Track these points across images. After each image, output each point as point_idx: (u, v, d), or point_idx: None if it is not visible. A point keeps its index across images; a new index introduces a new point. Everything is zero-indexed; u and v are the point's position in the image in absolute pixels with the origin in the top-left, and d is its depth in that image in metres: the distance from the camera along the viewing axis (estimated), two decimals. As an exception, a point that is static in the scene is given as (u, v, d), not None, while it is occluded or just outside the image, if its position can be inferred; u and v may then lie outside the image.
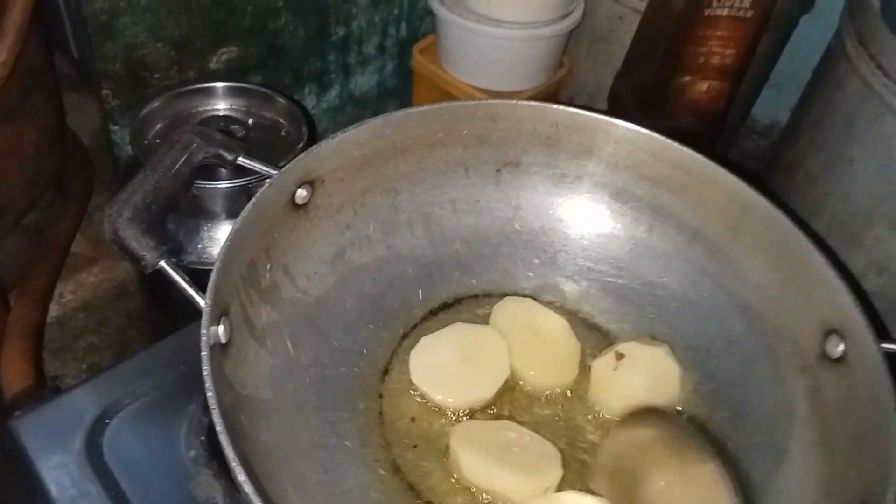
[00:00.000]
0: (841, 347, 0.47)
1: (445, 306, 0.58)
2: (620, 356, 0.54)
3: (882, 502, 0.39)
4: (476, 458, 0.48)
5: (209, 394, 0.39)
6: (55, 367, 0.88)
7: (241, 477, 0.36)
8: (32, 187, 0.88)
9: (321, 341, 0.53)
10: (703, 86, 0.82)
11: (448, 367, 0.53)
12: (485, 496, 0.48)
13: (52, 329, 0.88)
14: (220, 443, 0.38)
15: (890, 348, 0.46)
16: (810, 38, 1.01)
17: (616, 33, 0.96)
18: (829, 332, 0.48)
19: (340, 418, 0.50)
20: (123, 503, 0.49)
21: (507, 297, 0.58)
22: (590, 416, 0.53)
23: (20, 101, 0.80)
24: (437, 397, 0.52)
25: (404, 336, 0.56)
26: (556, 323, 0.56)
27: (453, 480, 0.48)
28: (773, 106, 1.19)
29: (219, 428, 0.38)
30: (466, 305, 0.59)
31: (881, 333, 0.46)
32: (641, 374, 0.53)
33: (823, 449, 0.47)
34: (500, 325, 0.56)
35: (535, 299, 0.58)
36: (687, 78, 0.82)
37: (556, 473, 0.48)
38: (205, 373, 0.40)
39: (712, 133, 0.87)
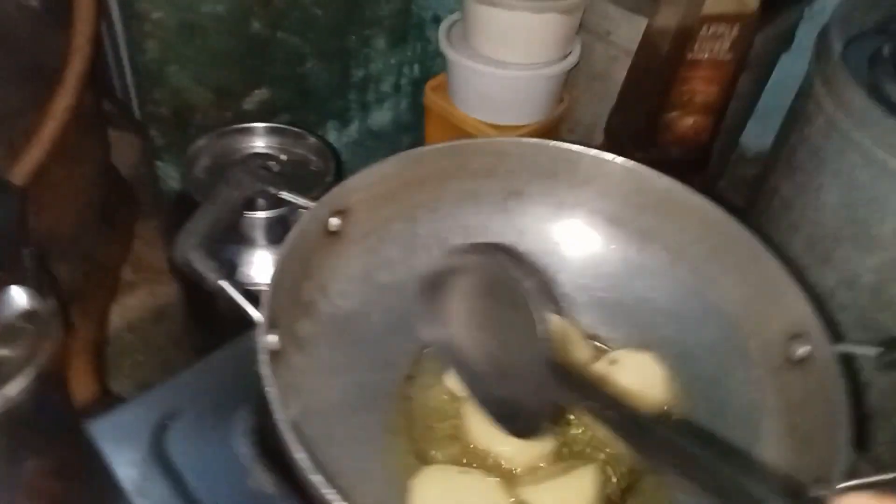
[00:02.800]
0: (802, 350, 0.54)
1: (460, 320, 0.65)
2: (613, 362, 0.60)
3: (831, 479, 0.45)
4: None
5: (268, 389, 0.46)
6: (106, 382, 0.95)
7: (299, 454, 0.43)
8: (83, 217, 0.96)
9: (354, 350, 0.59)
10: (689, 120, 0.89)
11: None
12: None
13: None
14: (280, 439, 0.44)
15: (843, 349, 0.53)
16: (791, 72, 1.07)
17: (609, 72, 1.02)
18: (793, 336, 0.55)
19: (373, 417, 0.57)
20: (187, 494, 0.53)
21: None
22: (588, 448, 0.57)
23: (77, 140, 0.88)
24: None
25: (425, 346, 0.62)
26: None
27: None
28: (761, 136, 1.24)
29: (278, 416, 0.45)
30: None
31: (837, 338, 0.53)
32: (632, 378, 0.59)
33: (791, 438, 0.54)
34: None
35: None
36: (674, 113, 0.89)
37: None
38: (265, 373, 0.47)
39: (700, 162, 0.94)
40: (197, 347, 1.00)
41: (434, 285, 0.52)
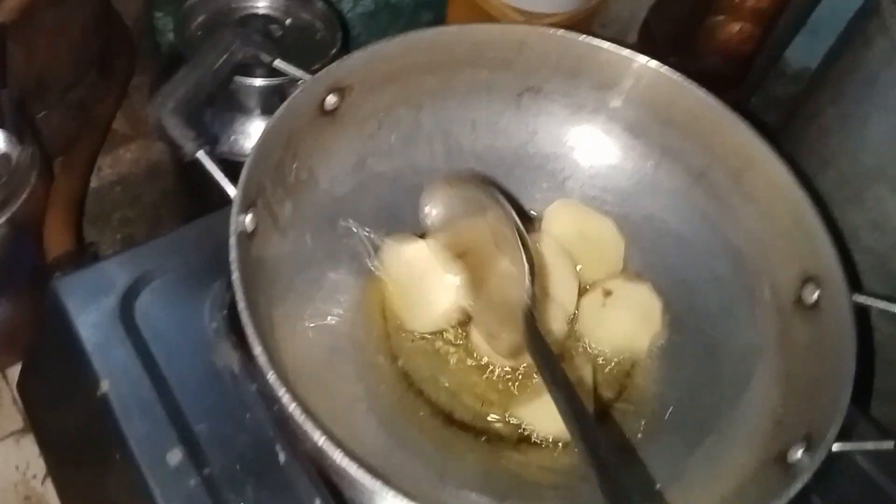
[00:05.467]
0: (816, 294, 0.50)
1: (455, 219, 0.62)
2: (608, 293, 0.57)
3: (824, 436, 0.43)
4: None
5: (234, 275, 0.44)
6: (91, 235, 0.93)
7: (257, 349, 0.41)
8: (78, 65, 0.91)
9: (338, 240, 0.56)
10: (735, 27, 0.82)
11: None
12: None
13: (90, 200, 0.92)
14: (241, 319, 0.43)
15: (861, 300, 0.49)
16: None
17: None
18: (807, 279, 0.51)
19: (349, 308, 0.55)
20: (151, 362, 0.52)
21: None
22: (580, 348, 0.57)
23: (70, -20, 0.82)
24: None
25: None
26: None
27: (443, 381, 0.53)
28: (807, 51, 1.16)
29: (241, 305, 0.43)
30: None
31: (856, 287, 0.49)
32: (628, 310, 0.57)
33: (783, 385, 0.51)
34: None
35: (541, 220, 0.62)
36: (720, 18, 0.81)
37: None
38: (231, 256, 0.44)
39: (737, 76, 0.87)
40: (186, 209, 0.97)
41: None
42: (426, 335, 0.55)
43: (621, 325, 0.57)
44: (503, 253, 0.50)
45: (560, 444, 0.51)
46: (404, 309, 0.56)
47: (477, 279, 0.54)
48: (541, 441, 0.52)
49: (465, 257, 0.55)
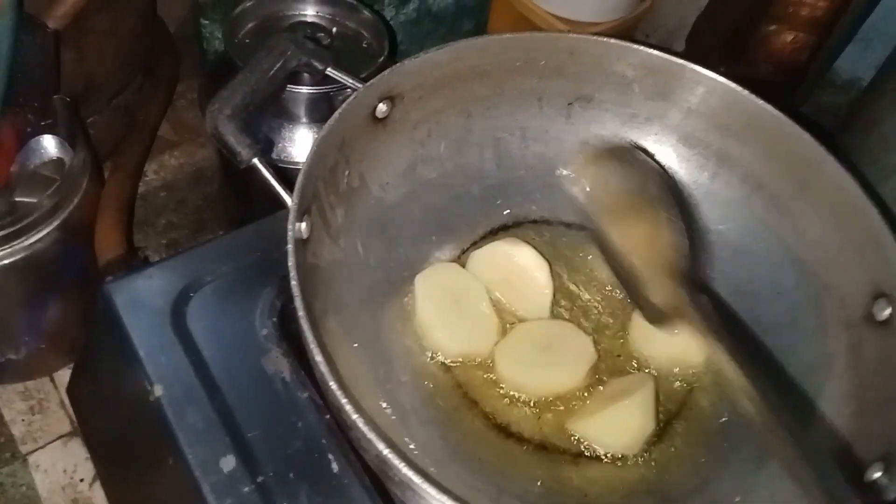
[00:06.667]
0: (888, 311, 0.49)
1: (505, 228, 0.61)
2: None
3: None
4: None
5: (293, 282, 0.43)
6: (137, 240, 0.94)
7: (318, 358, 0.41)
8: (125, 70, 0.92)
9: (388, 246, 0.56)
10: (789, 37, 0.80)
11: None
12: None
13: (135, 205, 0.94)
14: (300, 326, 0.42)
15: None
16: None
17: None
18: (879, 295, 0.50)
19: (401, 317, 0.55)
20: (202, 368, 0.52)
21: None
22: (634, 363, 0.55)
23: (121, -13, 0.83)
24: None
25: (463, 251, 0.59)
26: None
27: (493, 382, 0.53)
28: (858, 61, 1.14)
29: (300, 313, 0.42)
30: (525, 229, 0.61)
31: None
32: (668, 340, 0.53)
33: (855, 403, 0.49)
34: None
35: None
36: (773, 27, 0.80)
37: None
38: (290, 262, 0.44)
39: (789, 85, 0.85)
40: (232, 215, 0.98)
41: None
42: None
43: (673, 337, 0.54)
44: (647, 219, 0.51)
45: (620, 459, 0.50)
46: (438, 331, 0.54)
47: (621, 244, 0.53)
48: (601, 456, 0.50)
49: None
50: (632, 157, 0.57)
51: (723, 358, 0.44)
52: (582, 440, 0.51)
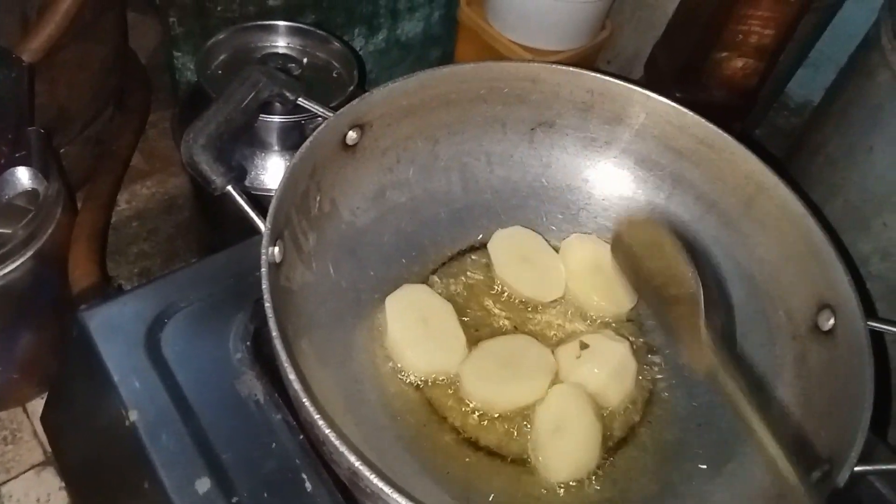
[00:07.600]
0: (831, 321, 0.51)
1: (473, 249, 0.63)
2: (584, 346, 0.56)
3: (844, 462, 0.43)
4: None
5: (267, 304, 0.44)
6: (109, 269, 0.93)
7: (292, 376, 0.42)
8: (97, 100, 0.93)
9: (359, 269, 0.58)
10: (739, 63, 0.84)
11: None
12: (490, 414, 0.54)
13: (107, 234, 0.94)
14: (274, 347, 0.43)
15: (875, 326, 0.50)
16: (854, 20, 1.01)
17: (660, 1, 0.97)
18: (823, 306, 0.52)
19: (372, 337, 0.56)
20: (177, 392, 0.53)
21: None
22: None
23: (93, 19, 0.84)
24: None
25: (433, 271, 0.61)
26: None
27: (462, 399, 0.54)
28: (809, 85, 1.19)
29: (273, 334, 0.43)
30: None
31: (869, 313, 0.50)
32: (601, 367, 0.55)
33: (802, 410, 0.52)
34: None
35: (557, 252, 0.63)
36: (724, 54, 0.83)
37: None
38: (263, 285, 0.45)
39: (742, 109, 0.89)
40: (204, 243, 0.99)
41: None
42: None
43: (592, 379, 0.55)
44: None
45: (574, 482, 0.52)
46: (408, 349, 0.56)
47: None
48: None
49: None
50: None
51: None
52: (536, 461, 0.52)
